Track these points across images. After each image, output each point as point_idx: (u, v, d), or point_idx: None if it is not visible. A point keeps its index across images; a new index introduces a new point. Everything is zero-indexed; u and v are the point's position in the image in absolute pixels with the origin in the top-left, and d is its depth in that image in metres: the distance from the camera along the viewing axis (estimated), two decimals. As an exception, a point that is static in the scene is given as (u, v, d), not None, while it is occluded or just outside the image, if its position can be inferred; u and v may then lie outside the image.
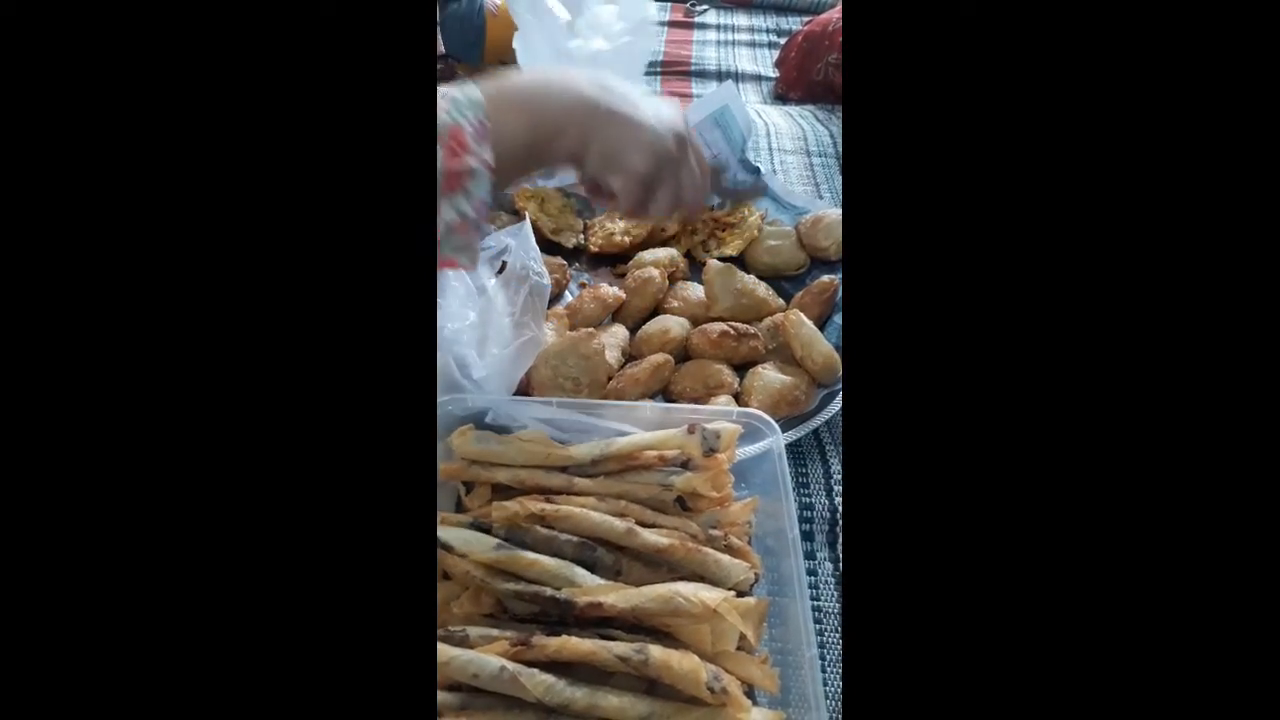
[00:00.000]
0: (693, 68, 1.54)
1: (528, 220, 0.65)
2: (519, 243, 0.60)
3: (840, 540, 0.55)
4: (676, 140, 0.50)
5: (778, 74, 1.36)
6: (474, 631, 0.40)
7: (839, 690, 0.47)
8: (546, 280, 0.60)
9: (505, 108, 0.44)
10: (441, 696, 0.38)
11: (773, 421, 0.50)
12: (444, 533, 0.43)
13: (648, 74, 1.53)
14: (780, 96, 1.34)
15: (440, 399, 0.52)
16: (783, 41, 1.64)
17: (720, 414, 0.52)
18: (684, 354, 0.67)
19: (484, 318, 0.56)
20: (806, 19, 1.60)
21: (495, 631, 0.40)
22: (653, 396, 0.63)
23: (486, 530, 0.44)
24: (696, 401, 0.61)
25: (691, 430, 0.48)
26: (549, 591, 0.41)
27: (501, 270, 0.60)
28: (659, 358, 0.63)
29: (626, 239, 0.79)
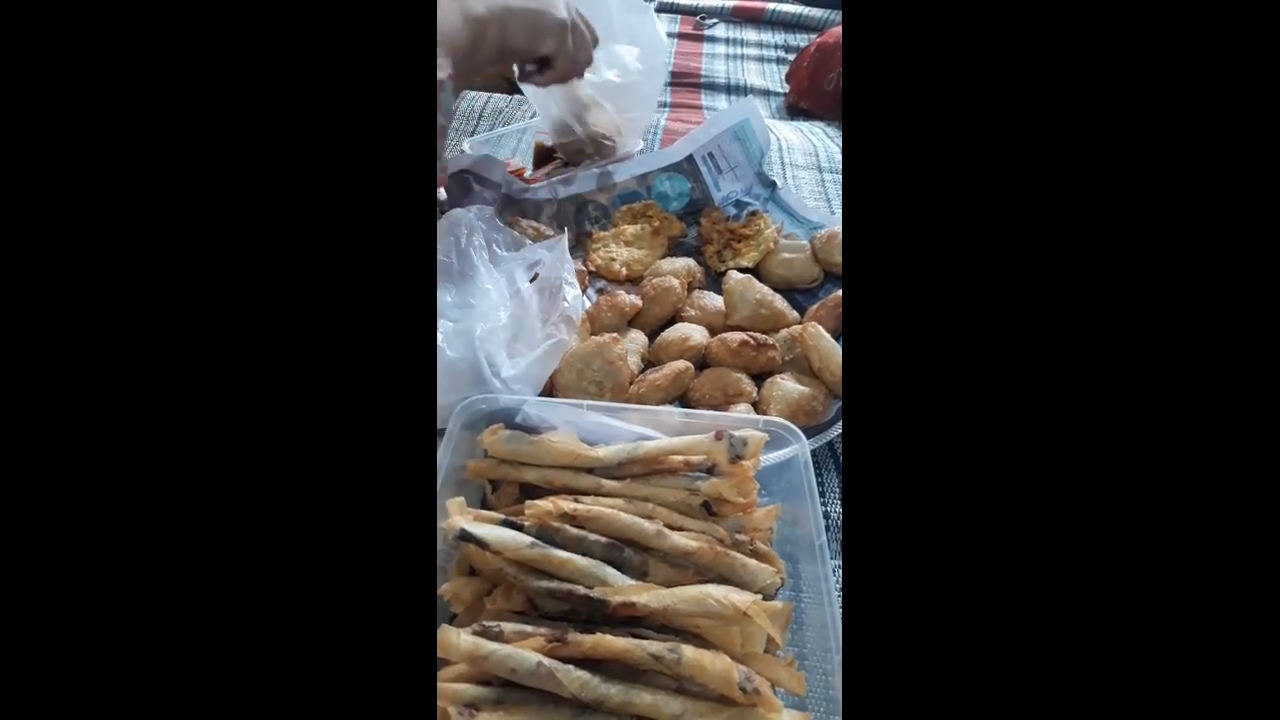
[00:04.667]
0: (702, 79, 1.56)
1: (565, 236, 0.67)
2: (554, 256, 0.61)
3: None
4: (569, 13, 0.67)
5: (788, 86, 1.38)
6: (508, 627, 0.41)
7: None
8: (578, 291, 0.61)
9: (445, 19, 0.55)
10: (478, 690, 0.38)
11: (798, 430, 0.52)
12: (478, 529, 0.44)
13: (658, 83, 1.55)
14: (791, 107, 1.36)
15: (473, 396, 0.53)
16: (791, 58, 1.67)
17: (745, 421, 0.53)
18: (701, 361, 0.68)
19: (516, 320, 0.57)
20: (816, 35, 1.62)
21: (529, 628, 0.41)
22: (672, 402, 0.64)
23: (519, 528, 0.45)
24: (716, 409, 0.62)
25: (719, 437, 0.49)
26: (581, 590, 0.42)
27: (534, 280, 0.61)
28: (680, 364, 0.64)
29: (624, 270, 0.79)
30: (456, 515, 0.45)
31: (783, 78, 1.48)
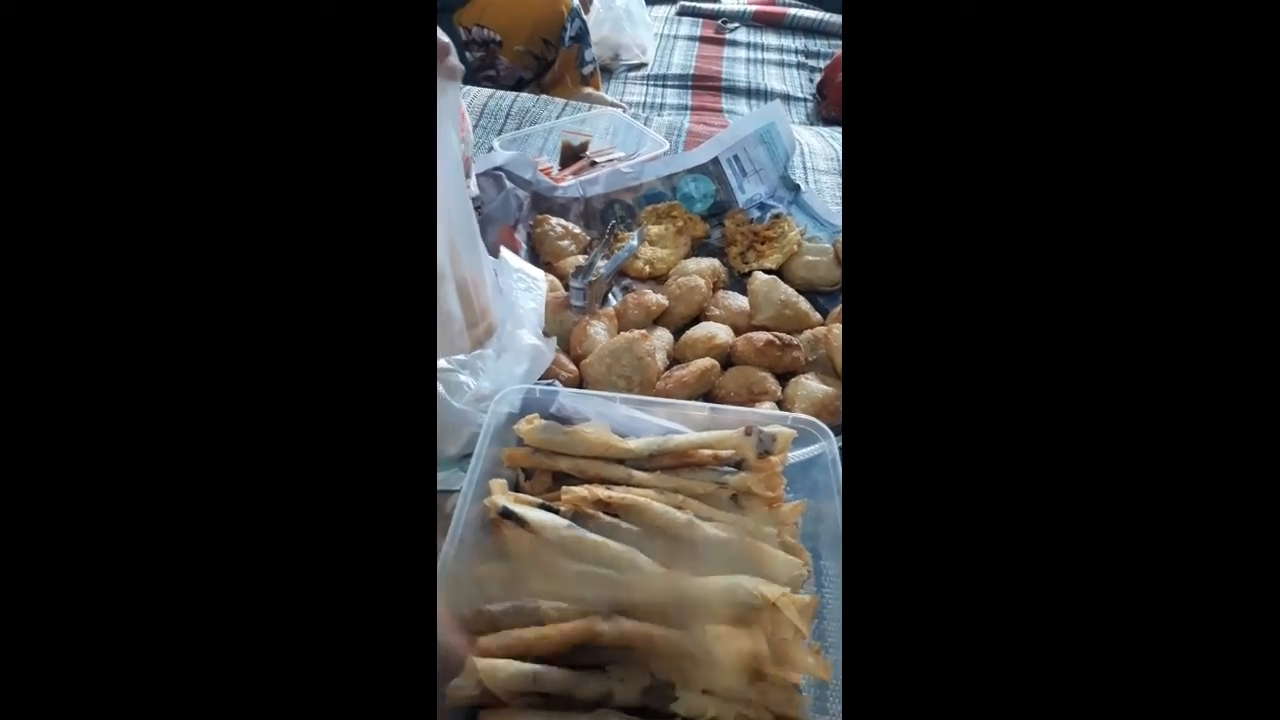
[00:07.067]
0: (723, 83, 1.58)
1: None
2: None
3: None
4: None
5: (824, 97, 1.38)
6: (545, 604, 0.42)
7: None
8: (540, 291, 0.66)
9: None
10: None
11: (825, 428, 0.53)
12: (520, 508, 0.45)
13: (680, 87, 1.57)
14: (828, 118, 1.36)
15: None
16: (811, 63, 1.68)
17: (774, 418, 0.54)
18: (727, 360, 0.70)
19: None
20: (839, 42, 1.63)
21: (566, 605, 0.42)
22: (698, 399, 0.66)
23: (555, 512, 0.46)
24: (741, 406, 0.63)
25: (748, 432, 0.50)
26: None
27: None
28: (706, 362, 0.65)
29: (648, 269, 0.81)
30: (499, 494, 0.46)
31: (806, 84, 1.49)
